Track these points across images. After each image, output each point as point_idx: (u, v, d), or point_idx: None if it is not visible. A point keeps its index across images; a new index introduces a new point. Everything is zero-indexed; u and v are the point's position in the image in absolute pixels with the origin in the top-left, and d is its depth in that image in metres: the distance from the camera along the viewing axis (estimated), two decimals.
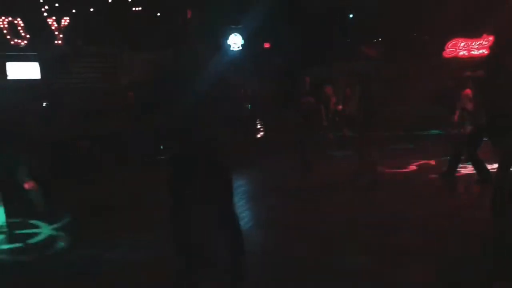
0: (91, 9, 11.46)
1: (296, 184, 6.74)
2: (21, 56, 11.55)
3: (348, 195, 5.95)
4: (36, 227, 4.81)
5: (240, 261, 3.05)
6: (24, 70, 11.66)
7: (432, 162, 7.92)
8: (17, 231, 4.62)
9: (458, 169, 6.49)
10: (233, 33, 13.64)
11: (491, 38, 13.74)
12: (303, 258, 3.70)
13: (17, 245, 4.31)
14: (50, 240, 4.44)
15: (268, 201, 5.79)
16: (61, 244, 4.29)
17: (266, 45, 14.22)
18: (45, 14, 11.30)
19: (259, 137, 12.13)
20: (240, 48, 13.79)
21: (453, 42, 14.60)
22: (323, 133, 10.13)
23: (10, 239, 4.43)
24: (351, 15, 12.49)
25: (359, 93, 6.70)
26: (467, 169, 6.64)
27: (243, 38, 13.71)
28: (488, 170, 5.88)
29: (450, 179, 6.37)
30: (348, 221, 4.74)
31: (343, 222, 4.73)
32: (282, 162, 8.44)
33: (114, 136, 7.44)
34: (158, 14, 11.56)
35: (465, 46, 14.48)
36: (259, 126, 12.38)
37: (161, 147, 6.85)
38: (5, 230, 4.55)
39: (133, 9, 11.63)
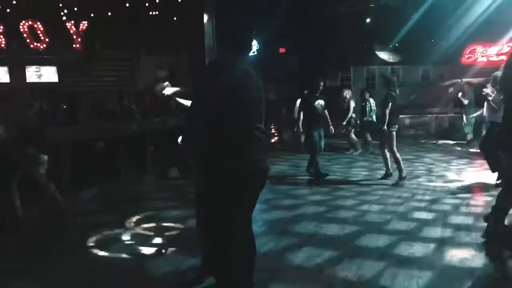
0: (109, 13, 11.58)
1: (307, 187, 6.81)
2: (40, 59, 11.72)
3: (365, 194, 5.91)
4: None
5: (251, 269, 2.87)
6: (42, 74, 11.85)
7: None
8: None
9: None
10: None
11: (511, 44, 13.54)
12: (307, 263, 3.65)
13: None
14: None
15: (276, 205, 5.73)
16: None
17: (282, 50, 14.21)
18: (64, 18, 11.46)
19: (273, 142, 12.09)
20: (256, 53, 13.78)
21: (472, 48, 14.41)
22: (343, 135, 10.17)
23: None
24: (368, 20, 12.40)
25: (385, 95, 6.77)
26: None
27: (258, 43, 13.71)
28: None
29: None
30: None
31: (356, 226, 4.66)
32: (295, 166, 8.52)
33: (131, 138, 7.45)
34: (175, 18, 11.63)
35: (484, 52, 14.28)
36: (273, 131, 12.34)
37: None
38: None
39: (150, 13, 11.72)
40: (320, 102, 7.19)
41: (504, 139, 3.97)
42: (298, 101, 8.87)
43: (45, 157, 5.06)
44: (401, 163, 6.70)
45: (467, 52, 14.47)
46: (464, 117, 10.52)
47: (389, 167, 6.96)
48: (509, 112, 3.90)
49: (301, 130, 8.30)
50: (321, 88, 7.24)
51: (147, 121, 7.84)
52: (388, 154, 6.85)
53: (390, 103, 6.59)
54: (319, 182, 6.99)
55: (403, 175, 6.70)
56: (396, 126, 6.69)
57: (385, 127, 6.60)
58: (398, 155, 6.68)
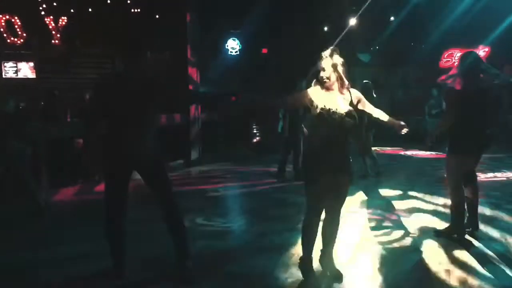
0: (90, 10, 11.39)
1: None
2: (17, 55, 11.47)
3: None
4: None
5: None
6: (19, 69, 11.59)
7: None
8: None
9: None
10: (231, 37, 13.62)
11: (487, 49, 13.88)
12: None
13: None
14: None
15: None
16: None
17: (264, 50, 14.22)
18: (43, 13, 11.22)
19: (255, 142, 12.12)
20: (238, 53, 13.77)
21: (449, 53, 14.70)
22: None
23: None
24: (352, 22, 12.52)
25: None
26: None
27: (241, 43, 13.70)
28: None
29: None
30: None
31: None
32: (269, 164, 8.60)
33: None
34: (157, 16, 11.51)
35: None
36: (255, 131, 12.37)
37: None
38: None
39: (132, 10, 11.57)
40: None
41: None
42: None
43: (28, 150, 5.03)
44: (377, 162, 7.44)
45: (445, 56, 14.76)
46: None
47: (368, 169, 7.32)
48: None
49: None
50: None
51: None
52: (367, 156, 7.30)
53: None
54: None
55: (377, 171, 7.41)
56: (373, 130, 7.20)
57: (364, 131, 6.98)
58: (375, 154, 7.46)
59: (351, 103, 3.19)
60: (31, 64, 11.65)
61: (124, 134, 3.24)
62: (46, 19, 11.23)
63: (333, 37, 13.41)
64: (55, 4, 11.22)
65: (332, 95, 3.15)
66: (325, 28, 13.87)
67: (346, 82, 3.18)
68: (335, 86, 3.16)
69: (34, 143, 5.36)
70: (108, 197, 3.31)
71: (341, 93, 3.18)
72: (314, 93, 3.19)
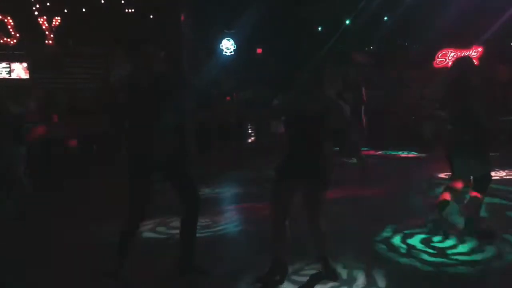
0: (83, 10, 11.35)
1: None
2: (10, 55, 11.40)
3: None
4: None
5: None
6: (12, 70, 11.52)
7: None
8: None
9: None
10: (226, 37, 13.63)
11: (480, 49, 13.97)
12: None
13: None
14: None
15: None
16: None
17: (259, 50, 14.23)
18: (36, 13, 11.17)
19: (250, 142, 12.13)
20: (233, 53, 13.78)
21: (443, 53, 14.77)
22: None
23: None
24: (347, 21, 12.58)
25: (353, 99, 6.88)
26: None
27: (235, 43, 13.71)
28: None
29: None
30: None
31: None
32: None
33: (103, 136, 7.35)
34: (151, 16, 11.50)
35: (455, 56, 14.63)
36: (250, 131, 12.38)
37: None
38: None
39: (126, 10, 11.55)
40: None
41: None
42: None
43: (24, 151, 5.02)
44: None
45: (439, 56, 14.81)
46: None
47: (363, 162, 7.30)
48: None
49: None
50: None
51: None
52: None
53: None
54: None
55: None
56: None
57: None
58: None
59: (325, 107, 3.20)
60: (25, 64, 11.58)
61: (149, 135, 3.20)
62: (39, 19, 11.18)
63: (327, 37, 13.55)
64: (48, 4, 11.18)
65: (308, 96, 3.20)
66: (319, 28, 13.92)
67: (326, 85, 3.24)
68: (314, 87, 3.23)
69: (28, 143, 5.33)
70: (133, 198, 3.26)
71: (319, 95, 3.23)
72: (289, 95, 3.31)
